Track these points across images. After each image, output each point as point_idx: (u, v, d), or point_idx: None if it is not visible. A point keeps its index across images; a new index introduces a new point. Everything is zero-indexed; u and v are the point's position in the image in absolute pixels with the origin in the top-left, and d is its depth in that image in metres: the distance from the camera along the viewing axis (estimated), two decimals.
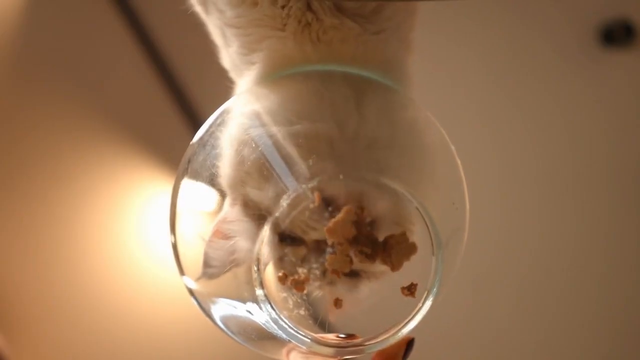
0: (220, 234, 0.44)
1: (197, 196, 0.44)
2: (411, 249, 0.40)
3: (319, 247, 0.40)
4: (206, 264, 0.44)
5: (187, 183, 0.43)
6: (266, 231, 0.39)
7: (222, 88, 0.53)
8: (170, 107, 1.50)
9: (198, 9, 0.51)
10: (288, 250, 0.40)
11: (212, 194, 0.45)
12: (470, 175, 0.45)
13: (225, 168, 0.44)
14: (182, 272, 0.43)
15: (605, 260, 1.50)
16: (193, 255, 0.44)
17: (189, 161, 0.43)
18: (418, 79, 0.50)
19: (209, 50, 0.53)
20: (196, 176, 0.44)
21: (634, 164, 1.51)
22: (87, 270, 1.43)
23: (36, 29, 1.42)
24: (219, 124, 0.43)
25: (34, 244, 1.39)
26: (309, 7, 0.45)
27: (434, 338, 0.73)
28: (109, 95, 1.48)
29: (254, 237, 0.40)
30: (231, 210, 0.44)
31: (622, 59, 1.49)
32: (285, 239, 0.40)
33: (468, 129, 1.44)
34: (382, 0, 0.46)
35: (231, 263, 0.43)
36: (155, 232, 1.43)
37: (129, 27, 1.48)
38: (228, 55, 0.50)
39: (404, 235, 0.40)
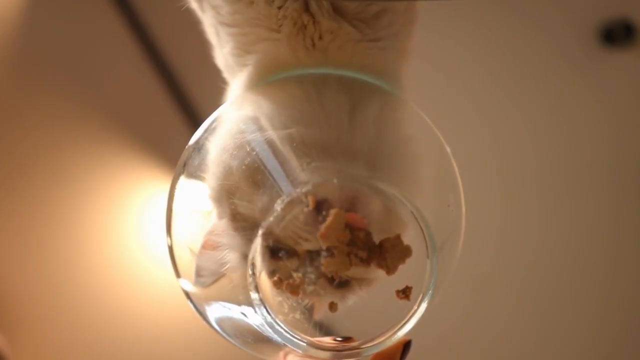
0: (210, 246, 0.44)
1: (193, 199, 0.44)
2: (406, 252, 0.40)
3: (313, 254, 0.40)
4: (198, 273, 0.44)
5: (183, 186, 0.43)
6: (260, 235, 0.39)
7: (222, 88, 0.52)
8: (170, 107, 1.50)
9: (194, 5, 0.50)
10: (281, 263, 0.40)
11: (208, 197, 0.45)
12: (469, 176, 0.45)
13: (210, 180, 0.44)
14: (178, 274, 0.43)
15: (605, 260, 1.50)
16: (189, 257, 0.44)
17: (184, 164, 0.43)
18: (416, 79, 0.50)
19: (208, 50, 0.53)
20: (192, 179, 0.44)
21: (634, 164, 1.50)
22: (87, 270, 1.43)
23: (36, 29, 1.42)
24: (214, 127, 0.43)
25: (33, 243, 1.39)
26: (306, 8, 0.45)
27: (431, 340, 0.73)
28: (108, 95, 1.48)
29: (243, 250, 0.40)
30: (219, 222, 0.44)
31: (622, 59, 1.49)
32: (277, 253, 0.40)
33: (466, 129, 1.44)
34: (382, 0, 0.46)
35: (222, 274, 0.43)
36: (155, 232, 1.42)
37: (128, 27, 1.48)
38: (222, 55, 0.50)
39: (398, 238, 0.40)
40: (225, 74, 0.51)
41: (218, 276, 0.43)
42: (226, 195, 0.43)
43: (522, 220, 1.52)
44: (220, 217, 0.44)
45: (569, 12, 1.46)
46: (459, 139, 0.48)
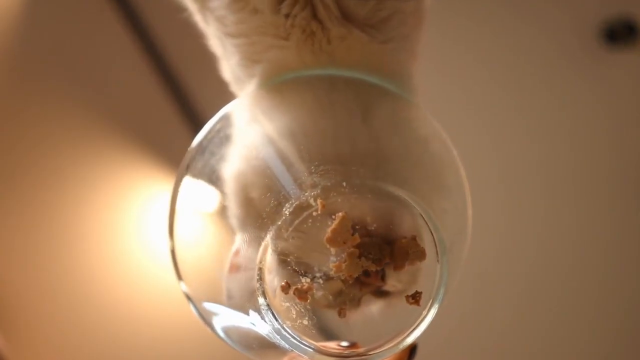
0: (236, 268, 0.44)
1: (195, 202, 0.44)
2: (420, 255, 0.39)
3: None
4: (229, 296, 0.44)
5: (185, 188, 0.43)
6: (268, 240, 0.38)
7: (223, 87, 0.52)
8: (170, 107, 1.49)
9: (197, 17, 0.49)
10: (290, 268, 0.40)
11: (211, 199, 0.44)
12: (472, 176, 0.45)
13: (232, 207, 0.43)
14: (179, 277, 0.42)
15: (606, 260, 1.50)
16: (191, 260, 0.43)
17: (187, 167, 0.42)
18: (419, 79, 0.49)
19: (209, 50, 0.52)
20: (195, 181, 0.43)
21: (636, 163, 1.50)
22: (87, 270, 1.42)
23: (36, 29, 1.42)
24: (217, 129, 0.43)
25: (33, 244, 1.39)
26: (314, 15, 0.43)
27: (435, 342, 0.72)
28: (109, 95, 1.48)
29: (278, 269, 0.40)
30: (244, 247, 0.43)
31: (625, 58, 1.48)
32: (287, 258, 0.39)
33: (469, 129, 1.43)
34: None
35: (251, 294, 0.42)
36: (155, 232, 1.42)
37: (129, 27, 1.47)
38: (229, 66, 0.49)
39: (415, 240, 0.39)
40: (233, 87, 0.50)
41: (248, 296, 0.43)
42: (253, 224, 0.42)
43: (525, 220, 1.52)
44: (250, 245, 0.43)
45: (572, 11, 1.46)
46: (461, 139, 0.48)
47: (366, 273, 0.40)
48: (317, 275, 0.39)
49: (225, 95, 0.51)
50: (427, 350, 0.46)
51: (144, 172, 1.45)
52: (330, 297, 0.40)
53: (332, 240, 0.37)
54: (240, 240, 0.43)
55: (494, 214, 1.42)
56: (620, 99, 1.49)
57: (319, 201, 0.37)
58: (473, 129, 1.45)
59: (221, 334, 0.42)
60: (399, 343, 0.39)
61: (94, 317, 1.41)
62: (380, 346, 0.39)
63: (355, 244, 0.38)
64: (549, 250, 1.51)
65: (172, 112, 1.49)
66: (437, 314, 0.40)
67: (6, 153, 1.37)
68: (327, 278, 0.39)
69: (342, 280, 0.39)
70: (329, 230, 0.37)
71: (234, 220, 0.43)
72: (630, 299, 1.50)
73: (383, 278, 0.41)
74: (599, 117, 1.49)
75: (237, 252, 0.44)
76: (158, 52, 1.49)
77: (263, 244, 0.38)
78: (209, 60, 0.53)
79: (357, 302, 0.42)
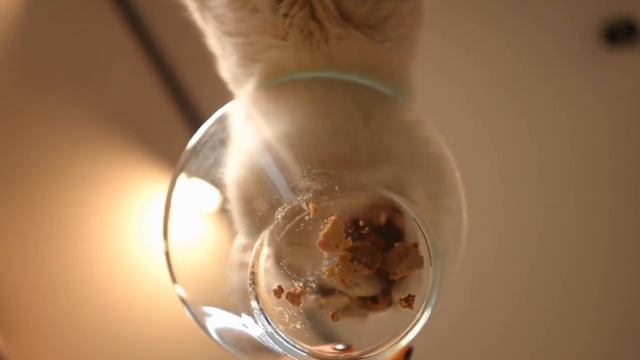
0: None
1: (190, 203, 0.44)
2: (418, 263, 0.39)
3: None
4: (231, 290, 0.44)
5: (180, 190, 0.43)
6: (261, 244, 0.38)
7: (223, 87, 0.52)
8: (170, 107, 1.49)
9: (196, 16, 0.50)
10: (283, 272, 0.40)
11: (206, 200, 0.44)
12: (472, 176, 0.45)
13: (235, 213, 0.43)
14: (174, 280, 0.42)
15: (606, 260, 1.50)
16: (186, 262, 0.43)
17: (181, 169, 0.42)
18: (419, 79, 0.49)
19: (209, 49, 0.52)
20: (189, 184, 0.43)
21: (636, 163, 1.50)
22: (87, 270, 1.42)
23: (36, 29, 1.42)
24: (212, 133, 0.43)
25: (33, 244, 1.39)
26: (313, 15, 0.43)
27: (433, 343, 0.72)
28: (109, 95, 1.48)
29: (273, 273, 0.40)
30: (238, 250, 0.43)
31: (625, 58, 1.48)
32: (279, 261, 0.39)
33: (469, 129, 1.43)
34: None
35: (245, 298, 0.43)
36: (155, 232, 1.42)
37: (129, 27, 1.47)
38: (227, 66, 0.49)
39: (416, 247, 0.39)
40: (232, 86, 0.50)
41: (243, 300, 0.43)
42: (247, 231, 0.42)
43: (525, 220, 1.52)
44: (244, 249, 0.43)
45: (572, 11, 1.46)
46: (461, 139, 0.48)
47: (374, 299, 0.40)
48: (310, 279, 0.39)
49: (225, 95, 0.51)
50: (424, 351, 0.46)
51: (144, 172, 1.45)
52: (323, 300, 0.40)
53: (324, 244, 0.37)
54: (235, 244, 0.43)
55: (494, 214, 1.42)
56: (620, 99, 1.48)
57: (310, 205, 0.37)
58: (473, 129, 1.45)
59: (215, 336, 0.42)
60: (392, 346, 0.39)
61: (94, 317, 1.41)
62: (375, 349, 0.39)
63: (348, 247, 0.38)
64: (549, 250, 1.51)
65: (172, 112, 1.49)
66: (433, 316, 0.40)
67: (6, 153, 1.37)
68: (323, 287, 0.39)
69: (342, 291, 0.39)
70: (322, 234, 0.37)
71: (238, 225, 0.43)
72: (630, 299, 1.50)
73: (390, 303, 0.41)
74: (599, 117, 1.49)
75: (237, 250, 0.44)
76: (158, 52, 1.49)
77: (255, 247, 0.38)
78: (209, 60, 0.53)
79: (364, 317, 0.42)
